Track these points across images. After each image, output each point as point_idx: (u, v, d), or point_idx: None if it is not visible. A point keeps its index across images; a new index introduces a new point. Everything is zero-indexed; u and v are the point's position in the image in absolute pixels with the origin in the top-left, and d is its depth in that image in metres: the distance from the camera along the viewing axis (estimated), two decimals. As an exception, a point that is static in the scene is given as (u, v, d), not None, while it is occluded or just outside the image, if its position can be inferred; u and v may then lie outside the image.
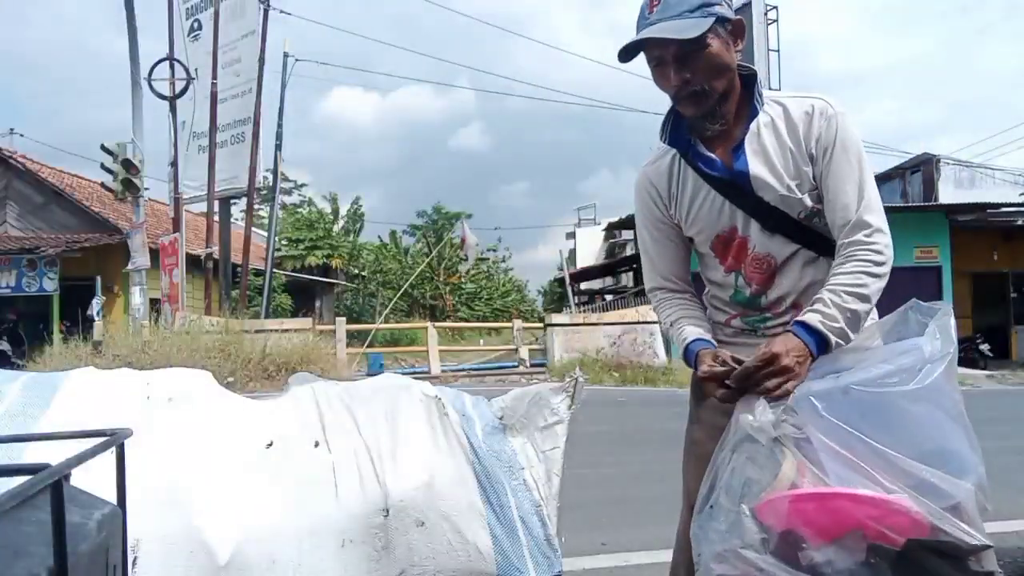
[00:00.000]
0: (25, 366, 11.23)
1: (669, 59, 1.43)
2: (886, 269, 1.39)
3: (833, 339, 1.33)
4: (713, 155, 1.52)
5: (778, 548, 1.17)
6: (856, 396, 1.23)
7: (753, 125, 1.49)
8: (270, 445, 1.82)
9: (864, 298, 1.37)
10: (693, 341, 1.53)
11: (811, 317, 1.35)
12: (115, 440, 1.05)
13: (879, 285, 1.39)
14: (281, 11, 16.14)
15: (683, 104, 1.48)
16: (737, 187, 1.50)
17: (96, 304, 14.45)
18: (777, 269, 1.52)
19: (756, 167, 1.47)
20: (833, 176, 1.43)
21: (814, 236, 1.50)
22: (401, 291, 21.65)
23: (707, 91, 1.44)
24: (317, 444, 1.84)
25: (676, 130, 1.56)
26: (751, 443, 1.25)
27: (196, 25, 16.42)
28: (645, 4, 1.44)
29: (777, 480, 1.20)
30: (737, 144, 1.49)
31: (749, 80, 1.50)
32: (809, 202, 1.47)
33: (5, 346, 14.63)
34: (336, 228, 30.03)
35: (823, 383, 1.28)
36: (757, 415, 1.26)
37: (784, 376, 1.29)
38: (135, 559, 1.56)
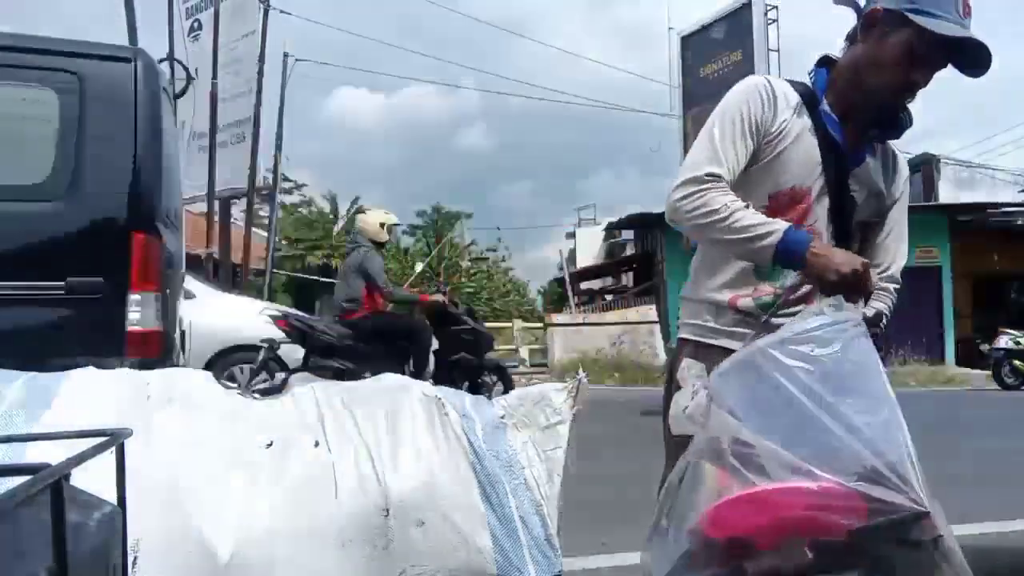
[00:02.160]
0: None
1: (935, 61, 1.43)
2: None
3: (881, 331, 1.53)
4: (840, 124, 1.54)
5: (725, 558, 1.15)
6: (743, 372, 1.23)
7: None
8: (270, 445, 1.82)
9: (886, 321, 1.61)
10: (790, 229, 1.37)
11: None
12: (115, 440, 1.05)
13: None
14: (281, 11, 16.16)
15: (894, 96, 1.49)
16: (841, 161, 1.53)
17: (96, 304, 14.42)
18: None
19: (869, 164, 1.56)
20: (898, 222, 1.65)
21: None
22: (401, 291, 21.64)
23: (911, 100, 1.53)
24: (317, 444, 1.84)
25: (816, 82, 1.57)
26: (691, 462, 1.24)
27: (196, 25, 16.42)
28: (957, 2, 1.40)
29: (704, 491, 1.19)
30: (867, 138, 1.57)
31: None
32: (873, 216, 1.61)
33: (5, 346, 14.59)
34: (336, 228, 30.03)
35: (713, 376, 1.28)
36: (684, 409, 1.26)
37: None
38: (135, 559, 1.56)
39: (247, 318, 6.39)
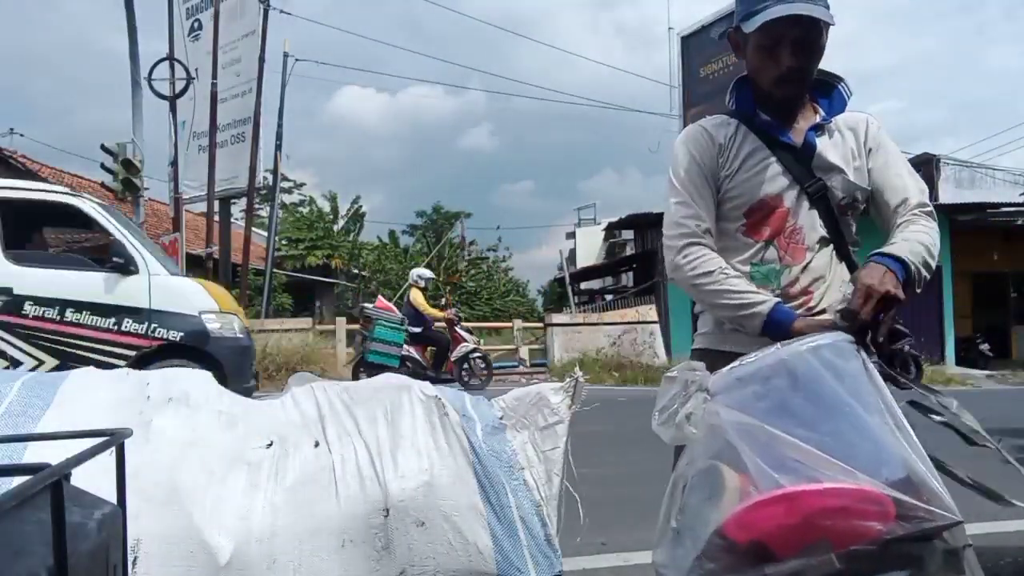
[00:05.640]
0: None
1: (791, 40, 1.49)
2: (938, 249, 1.49)
3: (913, 267, 1.39)
4: (782, 125, 1.61)
5: (745, 562, 1.12)
6: (754, 384, 1.23)
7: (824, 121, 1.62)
8: (270, 445, 1.82)
9: (930, 250, 1.45)
10: (778, 304, 1.47)
11: (891, 248, 1.41)
12: (115, 440, 1.05)
13: (936, 253, 1.47)
14: (281, 11, 16.19)
15: (785, 86, 1.56)
16: (800, 157, 1.59)
17: (96, 304, 14.40)
18: (809, 247, 1.58)
19: (824, 147, 1.60)
20: (888, 165, 1.61)
21: (842, 238, 1.60)
22: (401, 291, 21.65)
23: (808, 77, 1.57)
24: (317, 444, 1.84)
25: (741, 101, 1.65)
26: (703, 464, 1.23)
27: (196, 25, 16.42)
28: None
29: (726, 494, 1.17)
30: (809, 127, 1.61)
31: (830, 78, 1.64)
32: (854, 191, 1.59)
33: (6, 346, 14.59)
34: (336, 228, 30.04)
35: (718, 378, 1.27)
36: (674, 412, 1.24)
37: (887, 303, 1.31)
38: (135, 559, 1.56)
39: None
